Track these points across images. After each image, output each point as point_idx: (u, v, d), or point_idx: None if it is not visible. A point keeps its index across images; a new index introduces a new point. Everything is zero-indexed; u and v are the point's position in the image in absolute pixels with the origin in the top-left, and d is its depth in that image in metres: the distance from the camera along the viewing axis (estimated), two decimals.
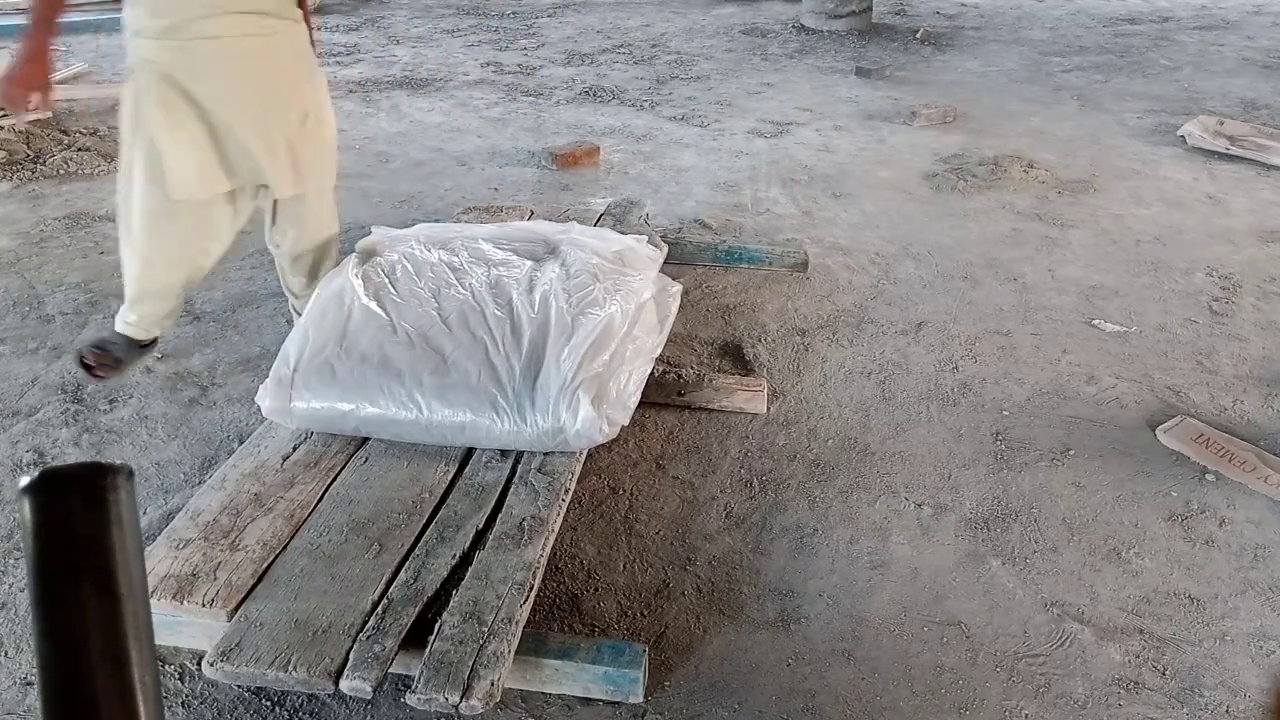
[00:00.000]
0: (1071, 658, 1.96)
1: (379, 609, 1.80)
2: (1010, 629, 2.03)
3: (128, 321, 2.68)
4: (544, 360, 2.28)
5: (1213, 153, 4.84)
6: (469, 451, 2.26)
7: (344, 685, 1.67)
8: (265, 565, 1.91)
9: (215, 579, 1.86)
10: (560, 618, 2.04)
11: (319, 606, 1.81)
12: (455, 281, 2.48)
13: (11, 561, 2.18)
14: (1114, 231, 3.99)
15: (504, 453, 2.25)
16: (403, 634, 1.75)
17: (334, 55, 6.72)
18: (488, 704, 1.64)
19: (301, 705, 1.83)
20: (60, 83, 5.62)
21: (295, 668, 1.68)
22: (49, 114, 4.96)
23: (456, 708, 1.63)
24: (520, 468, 2.20)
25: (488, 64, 6.58)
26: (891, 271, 3.61)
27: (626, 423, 2.33)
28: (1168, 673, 1.93)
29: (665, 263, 3.13)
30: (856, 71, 6.40)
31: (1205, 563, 2.22)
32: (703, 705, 1.85)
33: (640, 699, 1.83)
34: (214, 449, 2.57)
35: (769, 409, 2.74)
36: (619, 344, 2.38)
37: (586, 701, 1.85)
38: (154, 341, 2.78)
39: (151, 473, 2.48)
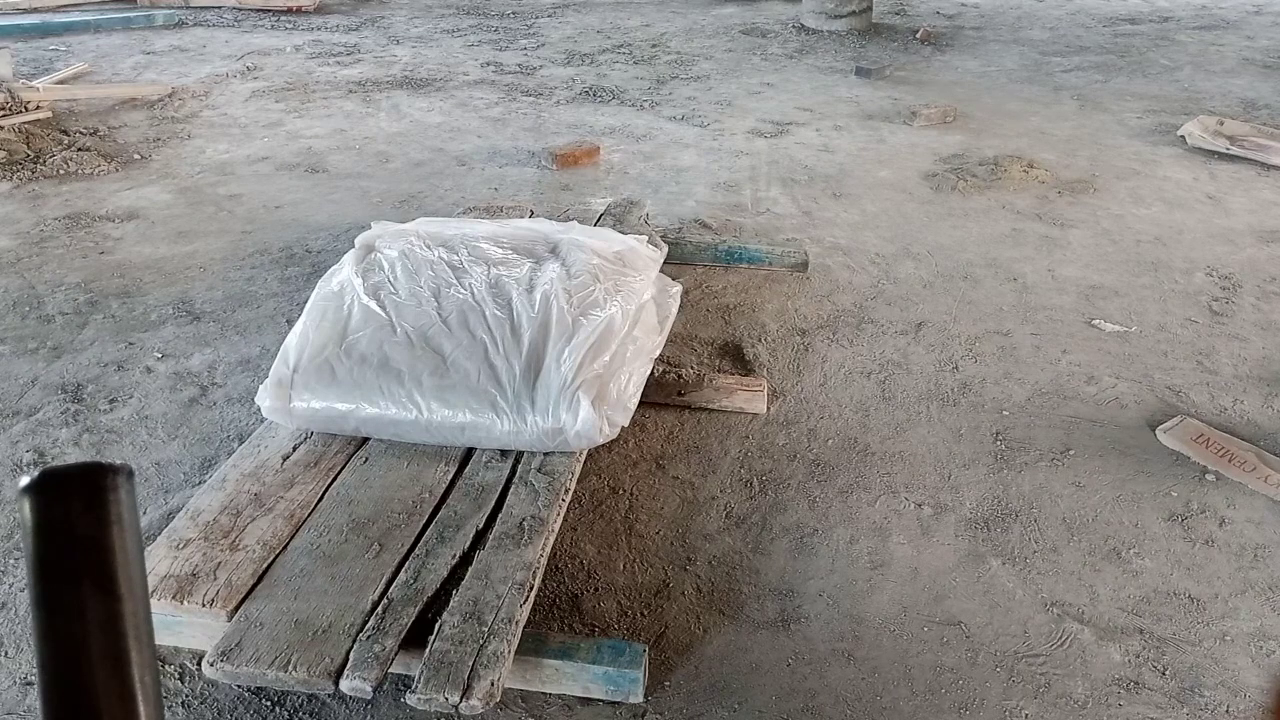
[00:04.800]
0: (1071, 658, 1.96)
1: (379, 609, 1.80)
2: (1010, 629, 2.03)
3: None
4: (544, 361, 2.28)
5: (1213, 153, 4.84)
6: (469, 451, 2.26)
7: (344, 685, 1.67)
8: (265, 565, 1.91)
9: (215, 579, 1.86)
10: (560, 618, 2.04)
11: (319, 606, 1.81)
12: (455, 281, 2.48)
13: (11, 561, 2.18)
14: (1114, 231, 3.99)
15: (504, 453, 2.25)
16: (403, 634, 1.75)
17: (334, 55, 6.72)
18: (488, 704, 1.64)
19: (301, 705, 1.83)
20: (60, 82, 5.62)
21: (295, 668, 1.68)
22: (49, 114, 4.97)
23: (456, 708, 1.63)
24: (520, 468, 2.20)
25: (488, 64, 6.57)
26: (891, 271, 3.61)
27: (626, 423, 2.33)
28: (1168, 673, 1.93)
29: (665, 263, 3.13)
30: (856, 71, 6.40)
31: (1205, 563, 2.22)
32: (703, 705, 1.85)
33: (640, 699, 1.83)
34: (214, 449, 2.57)
35: (769, 409, 2.74)
36: (619, 345, 2.38)
37: (586, 701, 1.85)
38: None
39: (151, 473, 2.48)
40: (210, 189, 4.33)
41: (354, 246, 2.68)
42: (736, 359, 3.01)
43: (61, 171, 4.44)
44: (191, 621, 1.88)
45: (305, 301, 2.53)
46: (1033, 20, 8.08)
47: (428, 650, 1.72)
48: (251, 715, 1.82)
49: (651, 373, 2.54)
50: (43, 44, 6.83)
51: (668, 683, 1.89)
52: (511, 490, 2.13)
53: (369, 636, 1.74)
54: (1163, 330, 3.22)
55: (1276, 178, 4.58)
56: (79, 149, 4.64)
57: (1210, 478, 2.48)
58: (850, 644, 1.99)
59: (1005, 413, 2.76)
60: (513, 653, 1.74)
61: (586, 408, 2.19)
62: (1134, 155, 4.88)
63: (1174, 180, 4.56)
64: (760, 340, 3.11)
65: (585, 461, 2.31)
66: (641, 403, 2.44)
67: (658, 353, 2.61)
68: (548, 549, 1.98)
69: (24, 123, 4.81)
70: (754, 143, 5.03)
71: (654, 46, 7.16)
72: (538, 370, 2.26)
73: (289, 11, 8.02)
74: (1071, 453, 2.59)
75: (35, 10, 7.69)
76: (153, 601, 1.78)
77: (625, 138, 5.09)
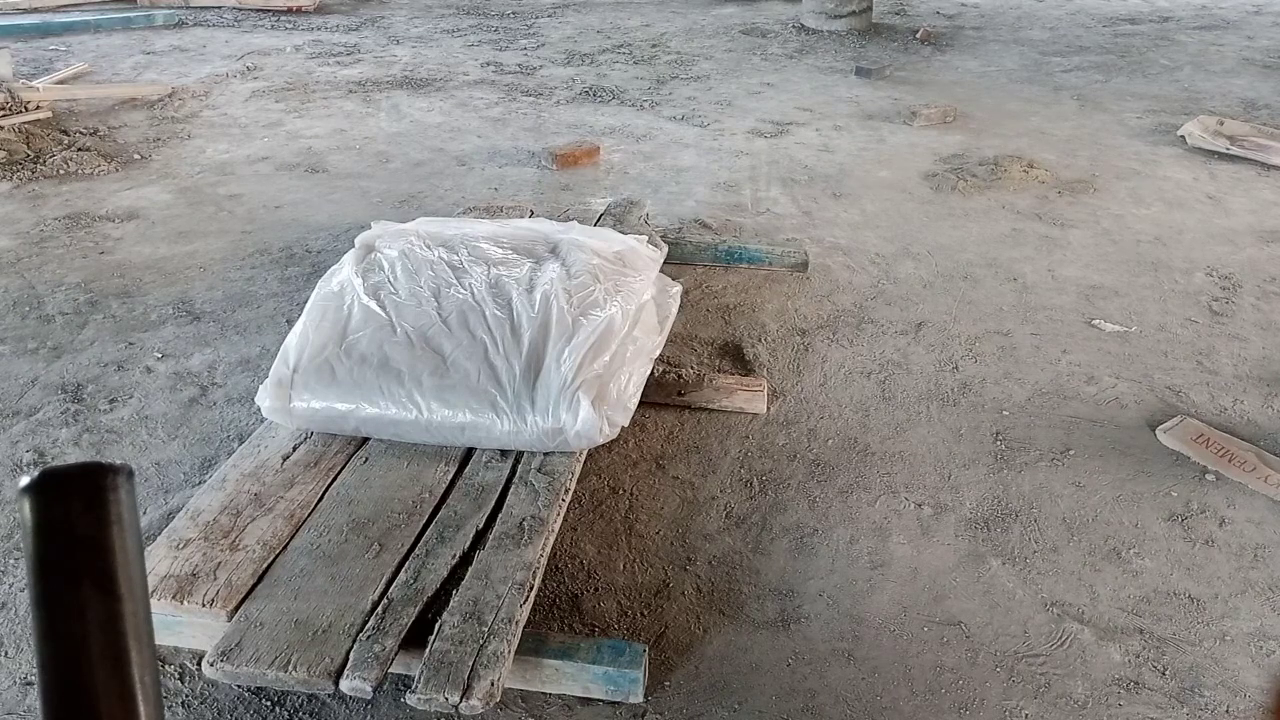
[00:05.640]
0: (1071, 658, 1.96)
1: (379, 609, 1.80)
2: (1010, 629, 2.03)
3: None
4: (544, 361, 2.28)
5: (1213, 153, 4.84)
6: (469, 451, 2.26)
7: (344, 685, 1.67)
8: (265, 565, 1.91)
9: (215, 579, 1.86)
10: (560, 618, 2.04)
11: (319, 606, 1.81)
12: (455, 281, 2.48)
13: (11, 561, 2.18)
14: (1114, 231, 3.99)
15: (504, 453, 2.25)
16: (403, 634, 1.75)
17: (334, 55, 6.72)
18: (488, 704, 1.64)
19: (301, 705, 1.83)
20: (60, 82, 5.62)
21: (295, 668, 1.68)
22: (49, 114, 4.97)
23: (456, 708, 1.63)
24: (520, 468, 2.20)
25: (488, 64, 6.57)
26: (891, 271, 3.61)
27: (626, 423, 2.33)
28: (1168, 673, 1.93)
29: (665, 263, 3.13)
30: (856, 71, 6.40)
31: (1205, 563, 2.22)
32: (703, 705, 1.85)
33: (640, 699, 1.83)
34: (214, 449, 2.57)
35: (769, 409, 2.74)
36: (619, 345, 2.38)
37: (586, 701, 1.85)
38: None
39: (151, 473, 2.48)
40: (210, 189, 4.33)
41: (354, 246, 2.68)
42: (736, 359, 3.01)
43: (61, 171, 4.44)
44: (191, 621, 1.87)
45: (305, 301, 2.53)
46: (1033, 20, 8.08)
47: (428, 650, 1.72)
48: (251, 715, 1.82)
49: (651, 373, 2.54)
50: (43, 44, 6.83)
51: (668, 683, 1.89)
52: (511, 490, 2.13)
53: (369, 636, 1.74)
54: (1163, 330, 3.22)
55: (1276, 178, 4.58)
56: (79, 149, 4.64)
57: (1210, 478, 2.48)
58: (850, 644, 1.99)
59: (1005, 413, 2.76)
60: (513, 653, 1.74)
61: (586, 408, 2.19)
62: (1134, 155, 4.88)
63: (1174, 180, 4.56)
64: (760, 340, 3.11)
65: (585, 461, 2.31)
66: (641, 403, 2.44)
67: (658, 353, 2.61)
68: (548, 549, 1.98)
69: (24, 123, 4.81)
70: (754, 143, 5.03)
71: (654, 46, 7.16)
72: (538, 370, 2.26)
73: (289, 11, 8.02)
74: (1071, 453, 2.59)
75: (35, 10, 7.69)
76: (153, 601, 1.78)
77: (625, 138, 5.09)
